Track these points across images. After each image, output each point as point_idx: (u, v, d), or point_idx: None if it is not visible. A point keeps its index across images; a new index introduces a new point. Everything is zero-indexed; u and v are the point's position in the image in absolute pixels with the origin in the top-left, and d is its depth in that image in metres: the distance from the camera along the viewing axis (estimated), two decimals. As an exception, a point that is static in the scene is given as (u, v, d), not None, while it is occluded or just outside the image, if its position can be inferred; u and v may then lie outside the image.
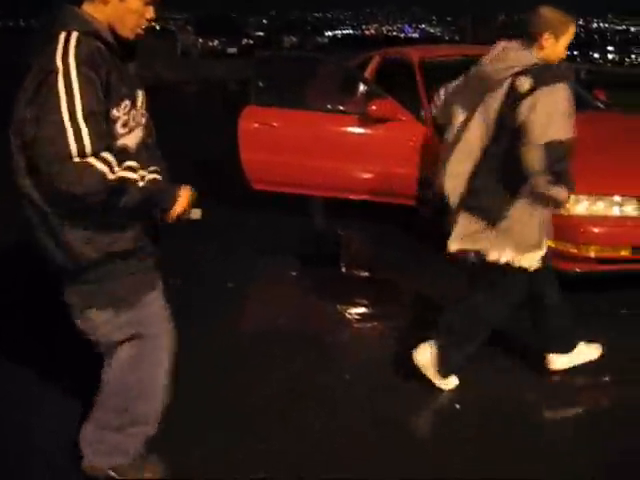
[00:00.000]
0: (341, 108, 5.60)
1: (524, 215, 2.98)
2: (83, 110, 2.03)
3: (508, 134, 2.89)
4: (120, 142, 2.20)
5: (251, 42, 26.44)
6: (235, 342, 3.79)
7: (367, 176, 5.49)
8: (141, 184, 2.14)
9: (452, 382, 3.33)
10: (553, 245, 4.13)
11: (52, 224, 2.18)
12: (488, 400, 3.30)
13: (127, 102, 2.22)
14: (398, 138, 5.35)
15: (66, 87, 2.03)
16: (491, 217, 2.99)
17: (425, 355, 3.26)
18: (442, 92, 3.44)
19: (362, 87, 5.64)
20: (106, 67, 2.13)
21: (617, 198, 4.18)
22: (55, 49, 2.06)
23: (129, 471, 2.55)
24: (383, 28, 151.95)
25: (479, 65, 3.08)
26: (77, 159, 2.00)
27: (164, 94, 14.66)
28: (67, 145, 2.00)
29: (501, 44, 3.03)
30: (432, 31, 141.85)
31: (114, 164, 2.07)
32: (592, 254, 4.17)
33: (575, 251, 4.15)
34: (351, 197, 5.64)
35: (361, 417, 3.14)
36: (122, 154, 2.16)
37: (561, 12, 2.98)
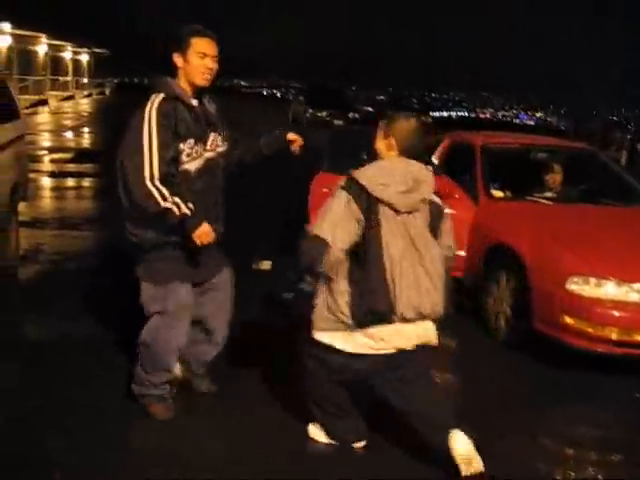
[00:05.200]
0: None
1: None
2: (158, 146, 3.23)
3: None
4: (183, 167, 3.36)
5: (357, 116, 27.44)
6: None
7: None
8: (177, 213, 3.26)
9: None
10: (574, 324, 4.49)
11: (129, 220, 3.45)
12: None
13: (191, 140, 3.37)
14: (450, 214, 5.78)
15: (148, 128, 3.24)
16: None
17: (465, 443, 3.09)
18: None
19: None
20: (177, 119, 3.32)
21: (637, 285, 4.46)
22: (146, 104, 3.31)
23: (150, 401, 3.62)
24: (498, 113, 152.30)
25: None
26: (148, 183, 3.22)
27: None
28: (143, 172, 3.21)
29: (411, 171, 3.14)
30: (549, 120, 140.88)
31: (168, 196, 3.23)
32: (612, 336, 4.44)
33: (592, 331, 4.43)
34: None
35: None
36: (183, 174, 3.36)
37: None
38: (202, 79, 3.42)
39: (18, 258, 6.23)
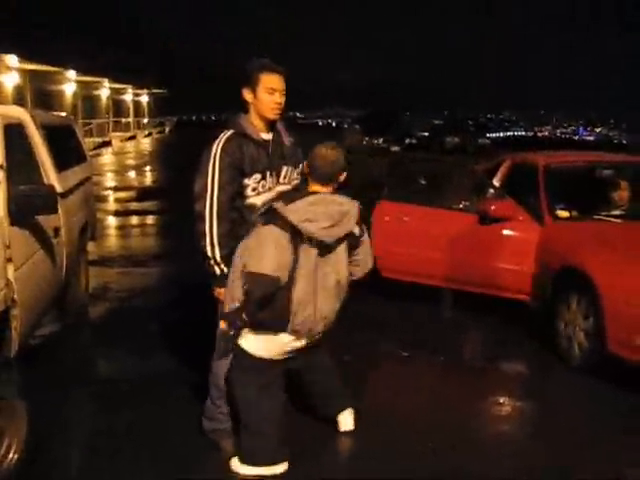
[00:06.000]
0: (464, 206, 6.08)
1: None
2: (219, 181, 3.37)
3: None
4: (249, 200, 3.46)
5: (414, 142, 27.41)
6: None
7: (485, 271, 5.84)
8: (212, 265, 3.42)
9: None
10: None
11: None
12: None
13: (257, 175, 3.46)
14: (514, 236, 5.72)
15: (212, 165, 3.39)
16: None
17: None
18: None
19: (484, 188, 6.10)
20: (242, 155, 3.41)
21: None
22: (214, 140, 3.45)
23: (221, 436, 3.65)
24: (557, 130, 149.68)
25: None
26: (207, 225, 3.37)
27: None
28: (204, 207, 3.37)
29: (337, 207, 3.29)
30: (610, 134, 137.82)
31: (215, 245, 3.38)
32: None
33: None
34: (470, 290, 5.99)
35: None
36: (250, 207, 3.45)
37: None
38: (272, 114, 3.51)
39: (88, 298, 6.40)
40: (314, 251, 3.27)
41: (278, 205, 3.25)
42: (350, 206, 3.34)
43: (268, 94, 3.47)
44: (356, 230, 3.40)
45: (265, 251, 3.17)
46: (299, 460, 3.47)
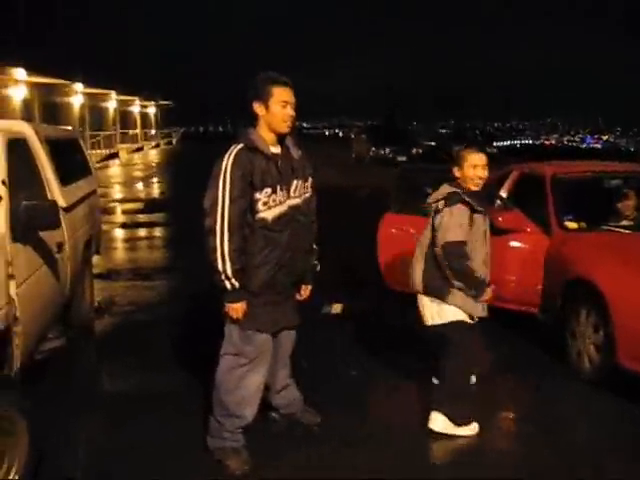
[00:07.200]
0: (471, 218, 6.00)
1: None
2: (230, 195, 3.34)
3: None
4: (260, 215, 3.42)
5: (420, 151, 27.36)
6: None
7: (493, 283, 5.74)
8: (223, 281, 3.40)
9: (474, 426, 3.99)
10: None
11: None
12: None
13: (268, 189, 3.42)
14: (522, 248, 5.66)
15: (223, 179, 3.35)
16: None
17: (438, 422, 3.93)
18: None
19: (491, 198, 6.02)
20: (253, 169, 3.38)
21: None
22: (224, 155, 3.42)
23: (225, 454, 3.57)
24: (564, 138, 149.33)
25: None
26: (217, 240, 3.34)
27: (336, 196, 15.66)
28: (215, 221, 3.33)
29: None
30: (617, 142, 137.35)
31: (227, 260, 3.35)
32: None
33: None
34: (478, 301, 5.90)
35: None
36: (261, 222, 3.43)
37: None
38: (285, 127, 3.52)
39: (93, 312, 6.36)
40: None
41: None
42: (444, 189, 4.05)
43: (281, 107, 3.47)
44: (440, 206, 3.98)
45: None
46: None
